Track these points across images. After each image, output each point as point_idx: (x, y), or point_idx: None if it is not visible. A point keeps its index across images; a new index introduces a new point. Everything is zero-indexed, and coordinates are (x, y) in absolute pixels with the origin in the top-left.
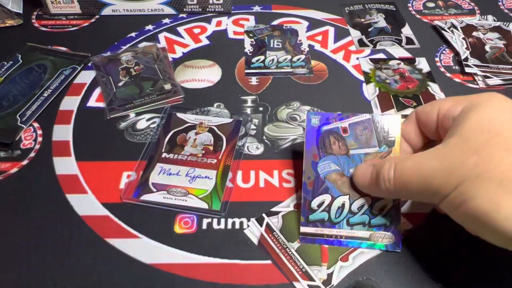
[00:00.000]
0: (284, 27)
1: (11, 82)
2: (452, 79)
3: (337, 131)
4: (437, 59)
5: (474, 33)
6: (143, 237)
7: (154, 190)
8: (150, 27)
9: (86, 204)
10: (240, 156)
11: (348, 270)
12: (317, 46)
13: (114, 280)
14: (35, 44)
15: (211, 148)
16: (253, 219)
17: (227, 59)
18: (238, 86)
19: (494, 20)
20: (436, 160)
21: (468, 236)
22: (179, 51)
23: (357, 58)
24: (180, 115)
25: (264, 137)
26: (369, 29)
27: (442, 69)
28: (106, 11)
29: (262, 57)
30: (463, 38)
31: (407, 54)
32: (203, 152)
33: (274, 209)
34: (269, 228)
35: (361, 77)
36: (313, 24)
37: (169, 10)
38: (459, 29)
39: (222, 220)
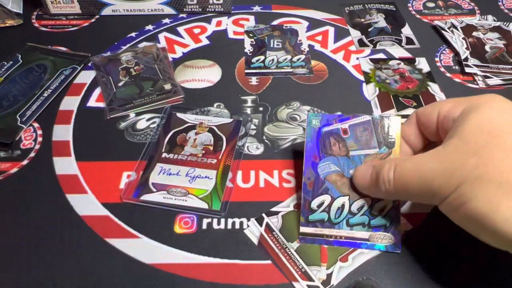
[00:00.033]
0: (284, 27)
1: (11, 82)
2: (452, 79)
3: (337, 132)
4: (437, 59)
5: (474, 33)
6: (143, 237)
7: (154, 190)
8: (150, 27)
9: (86, 204)
10: (240, 156)
11: (348, 270)
12: (317, 46)
13: (114, 280)
14: (35, 44)
15: (211, 148)
16: (253, 219)
17: (227, 59)
18: (238, 86)
19: (494, 20)
20: (436, 162)
21: (468, 236)
22: (179, 51)
23: (357, 58)
24: (180, 115)
25: (264, 137)
26: (369, 29)
27: (442, 69)
28: (106, 11)
29: (262, 57)
30: (463, 38)
31: (407, 54)
32: (203, 152)
33: (274, 209)
34: (268, 228)
35: (361, 77)
36: (313, 24)
37: (169, 10)
38: (459, 29)
39: (222, 220)
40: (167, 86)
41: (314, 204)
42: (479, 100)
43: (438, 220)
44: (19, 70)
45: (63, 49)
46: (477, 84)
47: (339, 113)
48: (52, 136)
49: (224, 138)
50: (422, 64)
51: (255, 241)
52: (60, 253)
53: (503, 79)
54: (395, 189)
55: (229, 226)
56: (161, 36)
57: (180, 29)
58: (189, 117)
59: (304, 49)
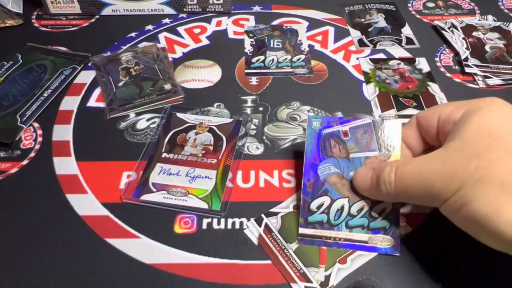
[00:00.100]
0: (284, 27)
1: (11, 82)
2: (452, 79)
3: (337, 135)
4: (437, 59)
5: (474, 33)
6: (143, 237)
7: (154, 190)
8: (150, 27)
9: (86, 204)
10: (240, 156)
11: (346, 272)
12: (317, 46)
13: (114, 280)
14: (35, 44)
15: (211, 148)
16: (252, 220)
17: (227, 59)
18: (238, 86)
19: (494, 20)
20: (437, 164)
21: (468, 237)
22: (179, 51)
23: (357, 58)
24: (180, 115)
25: (264, 137)
26: (369, 29)
27: (442, 69)
28: (106, 11)
29: (262, 57)
30: (463, 38)
31: (407, 54)
32: (203, 152)
33: (273, 209)
34: (267, 229)
35: (361, 77)
36: (313, 24)
37: (169, 10)
38: (459, 29)
39: (222, 220)
40: (167, 86)
41: (314, 205)
42: (480, 103)
43: (438, 221)
44: (19, 70)
45: (63, 49)
46: (477, 84)
47: (339, 113)
48: (52, 136)
49: (224, 138)
50: (422, 64)
51: (255, 241)
52: (60, 253)
53: (503, 79)
54: (396, 191)
55: (229, 226)
56: (161, 36)
57: (180, 29)
58: (189, 117)
59: (304, 49)
